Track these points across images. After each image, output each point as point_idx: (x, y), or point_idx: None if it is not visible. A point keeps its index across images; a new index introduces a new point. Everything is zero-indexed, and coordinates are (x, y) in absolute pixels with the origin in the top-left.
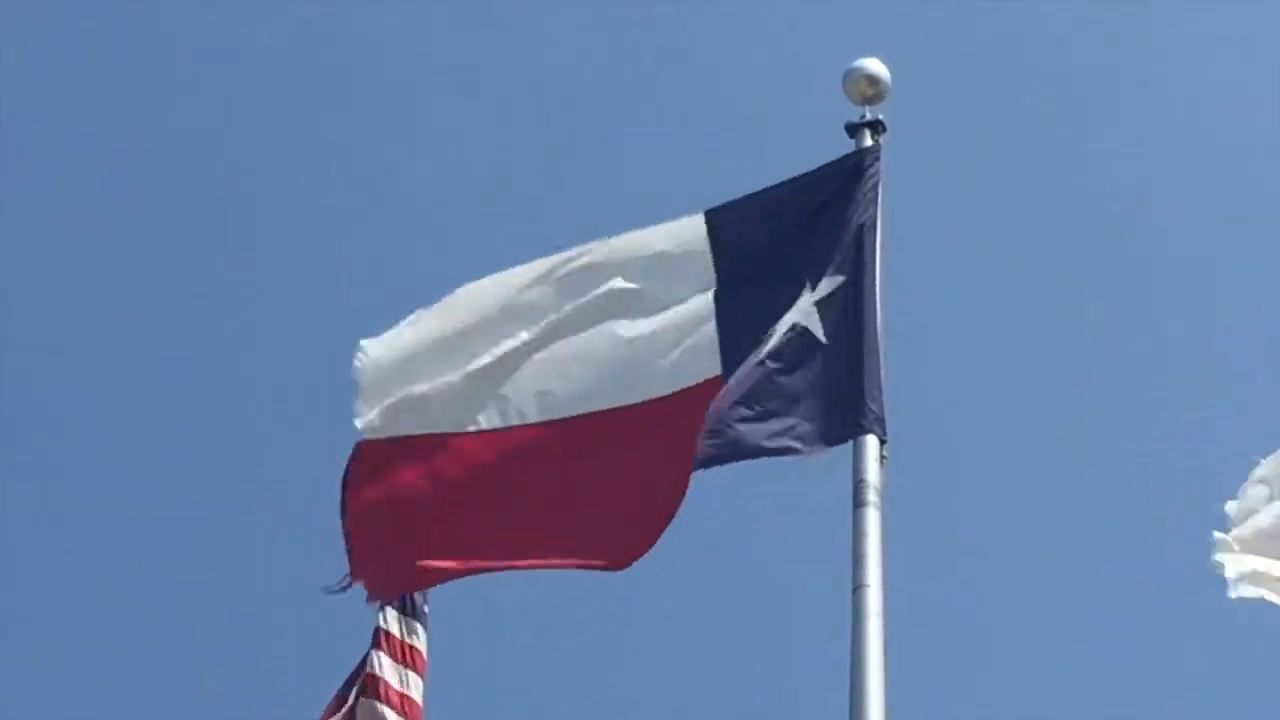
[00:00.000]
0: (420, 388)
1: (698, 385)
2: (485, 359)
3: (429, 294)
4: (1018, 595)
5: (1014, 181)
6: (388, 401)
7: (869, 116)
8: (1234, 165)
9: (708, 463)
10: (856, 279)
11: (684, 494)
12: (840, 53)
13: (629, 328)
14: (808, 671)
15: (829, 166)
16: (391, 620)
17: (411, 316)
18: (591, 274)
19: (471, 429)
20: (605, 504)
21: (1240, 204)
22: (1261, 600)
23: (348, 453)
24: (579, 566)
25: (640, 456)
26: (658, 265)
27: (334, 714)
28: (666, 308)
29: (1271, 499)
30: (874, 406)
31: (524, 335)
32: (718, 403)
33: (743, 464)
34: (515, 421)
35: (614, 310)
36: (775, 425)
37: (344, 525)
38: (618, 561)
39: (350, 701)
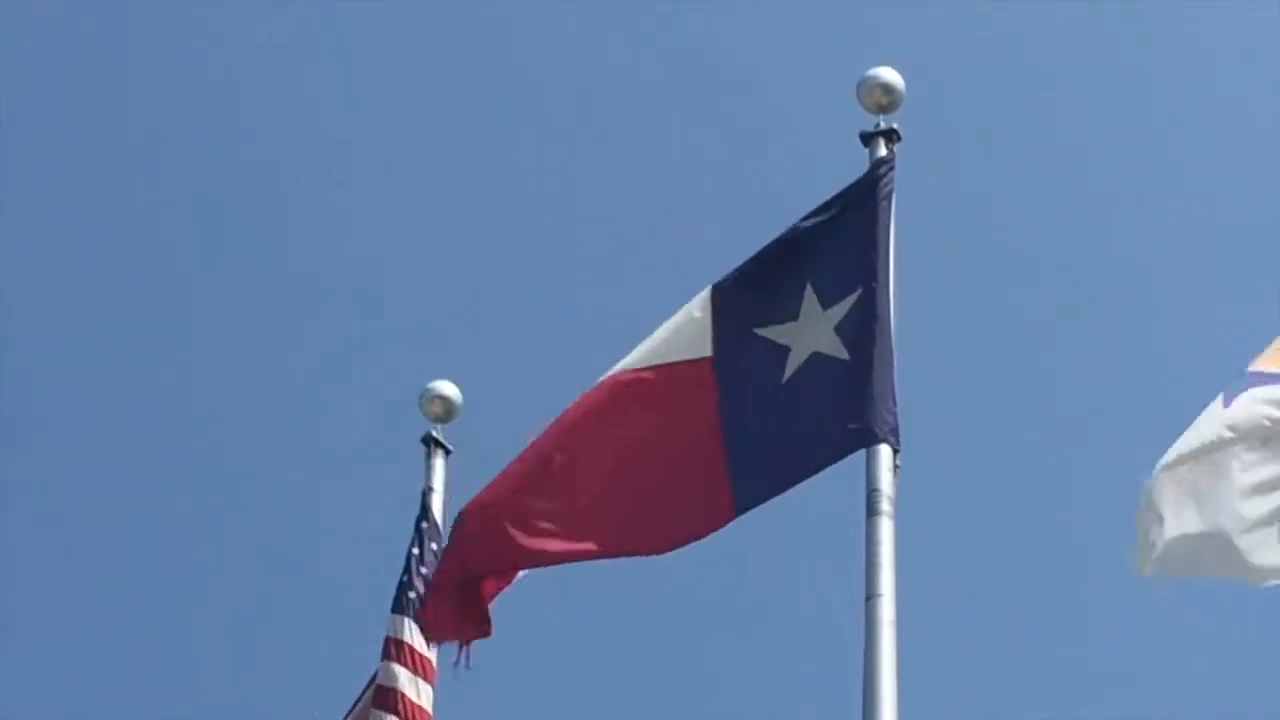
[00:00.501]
0: None
1: (691, 361)
2: None
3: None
4: (1030, 604)
5: (1029, 190)
6: None
7: (883, 125)
8: (1257, 171)
9: (753, 504)
10: (870, 288)
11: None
12: (854, 61)
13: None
14: (821, 680)
15: (842, 193)
16: (405, 629)
17: None
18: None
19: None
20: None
21: (1263, 211)
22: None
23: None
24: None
25: (649, 433)
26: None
27: None
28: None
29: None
30: (888, 416)
31: None
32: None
33: None
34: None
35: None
36: (807, 445)
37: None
38: (659, 546)
39: (360, 714)
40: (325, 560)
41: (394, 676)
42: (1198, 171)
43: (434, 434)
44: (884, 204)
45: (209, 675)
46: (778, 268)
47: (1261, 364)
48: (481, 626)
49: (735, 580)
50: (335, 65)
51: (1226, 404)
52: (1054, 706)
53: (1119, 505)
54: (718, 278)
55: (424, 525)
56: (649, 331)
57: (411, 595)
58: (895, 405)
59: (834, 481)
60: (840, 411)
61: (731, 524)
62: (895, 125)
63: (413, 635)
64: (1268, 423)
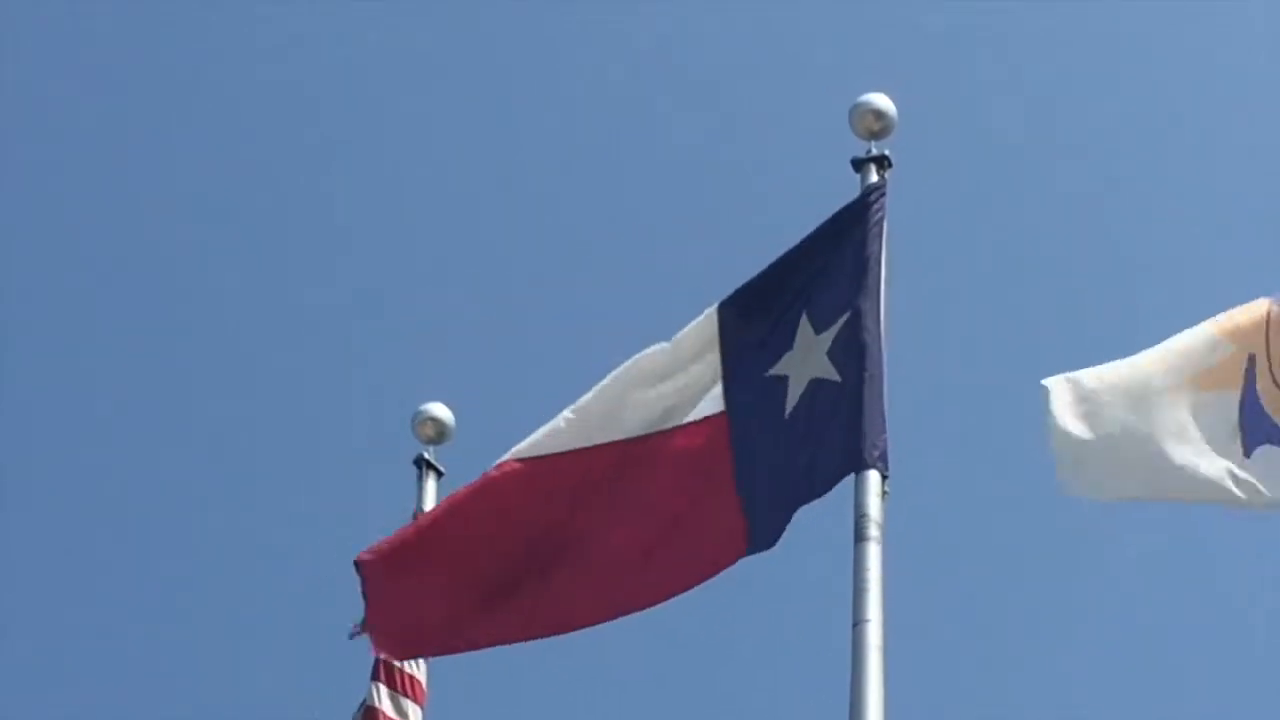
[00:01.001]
0: None
1: (703, 420)
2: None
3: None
4: (1018, 629)
5: (1021, 217)
6: None
7: (874, 151)
8: (1254, 197)
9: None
10: (860, 313)
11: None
12: (846, 87)
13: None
14: (808, 705)
15: (835, 217)
16: None
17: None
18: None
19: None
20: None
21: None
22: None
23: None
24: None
25: (655, 492)
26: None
27: None
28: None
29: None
30: (877, 441)
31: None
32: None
33: None
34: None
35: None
36: (809, 471)
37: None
38: (651, 599)
39: None
40: (316, 581)
41: (383, 699)
42: (1195, 193)
43: (426, 456)
44: (875, 229)
45: (196, 697)
46: (775, 303)
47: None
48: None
49: (722, 605)
50: (330, 82)
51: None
52: None
53: (1110, 530)
54: (709, 301)
55: None
56: (638, 350)
57: None
58: (884, 431)
59: (822, 507)
60: (834, 435)
61: None
62: (887, 151)
63: None
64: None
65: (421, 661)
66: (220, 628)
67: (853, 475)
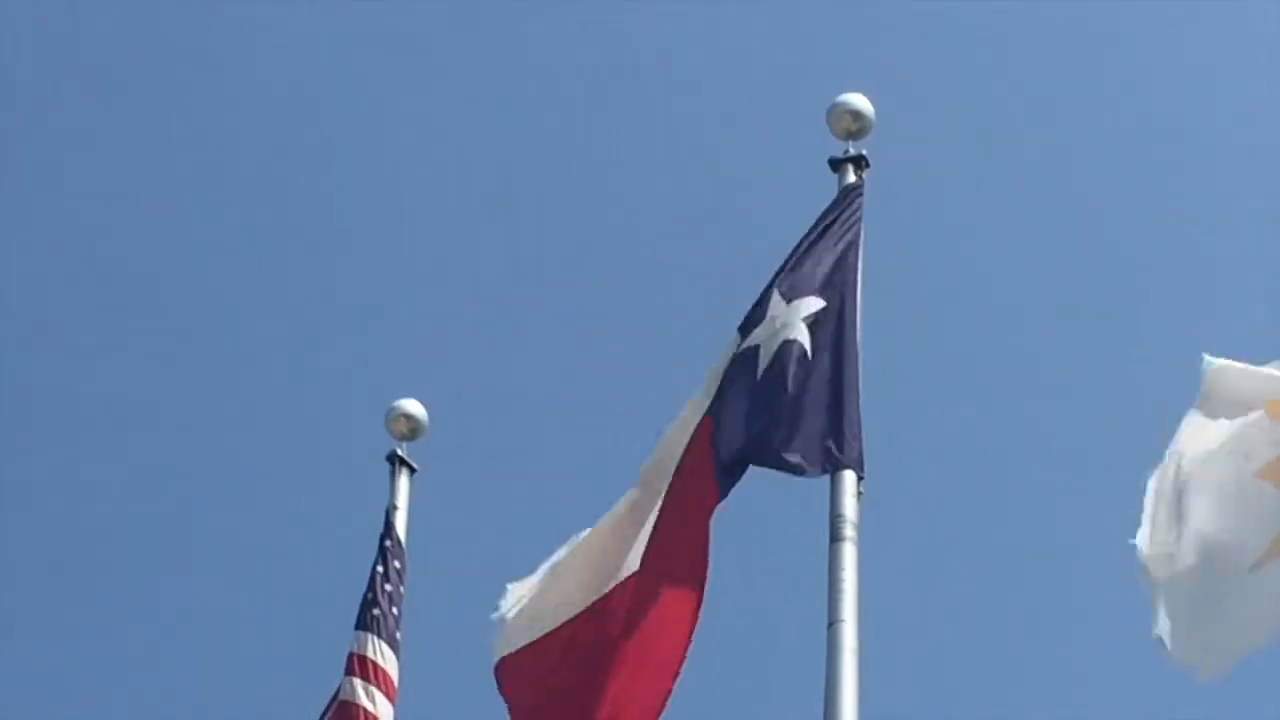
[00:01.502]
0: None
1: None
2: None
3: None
4: (993, 631)
5: (997, 218)
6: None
7: (852, 151)
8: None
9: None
10: (838, 312)
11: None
12: (824, 87)
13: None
14: (782, 707)
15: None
16: (369, 645)
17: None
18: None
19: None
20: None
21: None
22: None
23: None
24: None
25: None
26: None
27: None
28: None
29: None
30: (852, 442)
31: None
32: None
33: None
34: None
35: None
36: (784, 438)
37: None
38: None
39: None
40: (289, 577)
41: (356, 692)
42: (1182, 194)
43: (399, 452)
44: (852, 229)
45: (172, 690)
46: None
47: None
48: None
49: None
50: (310, 80)
51: None
52: None
53: (1085, 529)
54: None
55: (388, 543)
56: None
57: (375, 612)
58: (860, 431)
59: (797, 507)
60: (809, 419)
61: None
62: (864, 152)
63: (376, 651)
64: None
65: (393, 656)
66: (191, 623)
67: (828, 476)
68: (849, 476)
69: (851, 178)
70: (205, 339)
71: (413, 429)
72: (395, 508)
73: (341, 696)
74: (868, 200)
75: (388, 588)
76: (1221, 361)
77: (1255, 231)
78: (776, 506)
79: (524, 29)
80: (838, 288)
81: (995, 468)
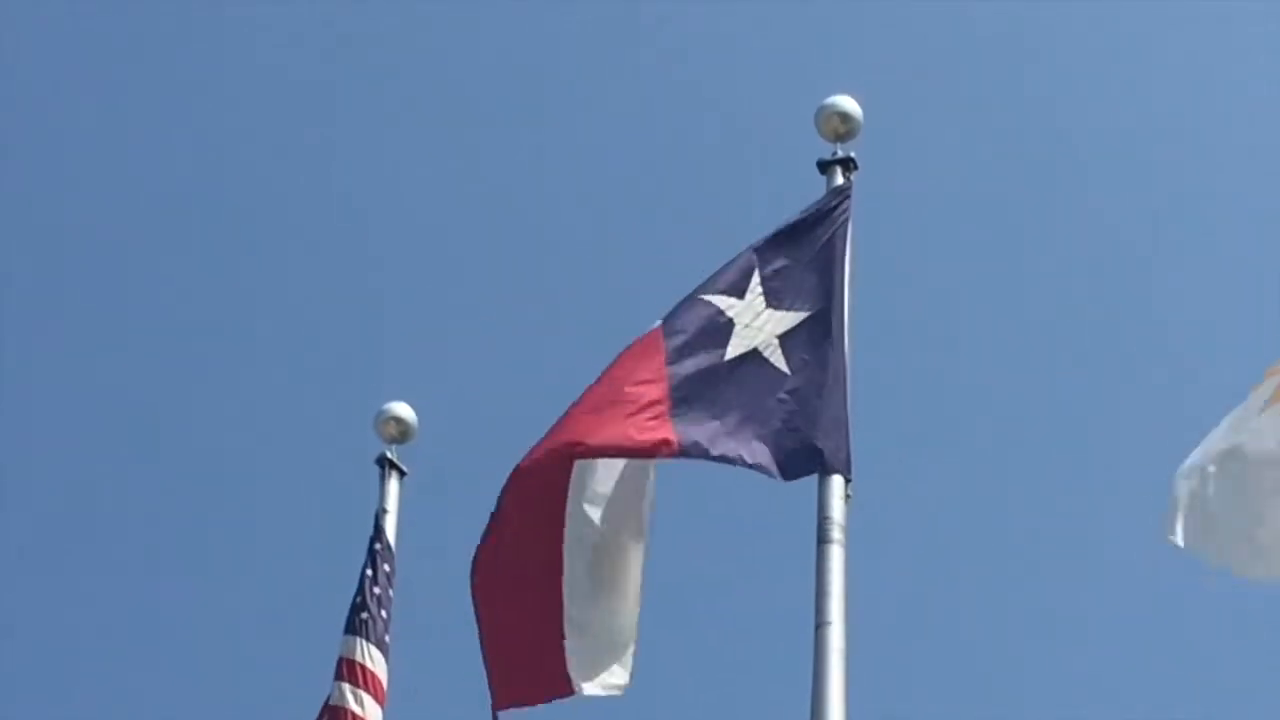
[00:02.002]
0: None
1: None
2: None
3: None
4: (980, 633)
5: (985, 220)
6: None
7: (840, 154)
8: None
9: (680, 454)
10: (825, 315)
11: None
12: (812, 90)
13: None
14: (769, 709)
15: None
16: (358, 649)
17: None
18: None
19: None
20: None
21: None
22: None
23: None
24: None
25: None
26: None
27: None
28: None
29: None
30: (840, 445)
31: None
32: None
33: (708, 502)
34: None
35: None
36: (738, 440)
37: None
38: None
39: None
40: (278, 580)
41: (345, 697)
42: (1174, 195)
43: (389, 455)
44: (840, 231)
45: (161, 694)
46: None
47: None
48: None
49: (683, 606)
50: (295, 78)
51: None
52: None
53: (1074, 532)
54: (670, 305)
55: (377, 547)
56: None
57: (364, 616)
58: (848, 435)
59: (785, 510)
60: (787, 428)
61: (681, 551)
62: (852, 154)
63: (365, 655)
64: None
65: (382, 659)
66: (180, 627)
67: (816, 478)
68: (836, 480)
69: (840, 180)
70: (195, 342)
71: (402, 432)
72: (385, 511)
73: (330, 701)
74: (856, 202)
75: (377, 591)
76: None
77: (1249, 237)
78: (764, 509)
79: (516, 32)
80: (825, 292)
81: (983, 471)
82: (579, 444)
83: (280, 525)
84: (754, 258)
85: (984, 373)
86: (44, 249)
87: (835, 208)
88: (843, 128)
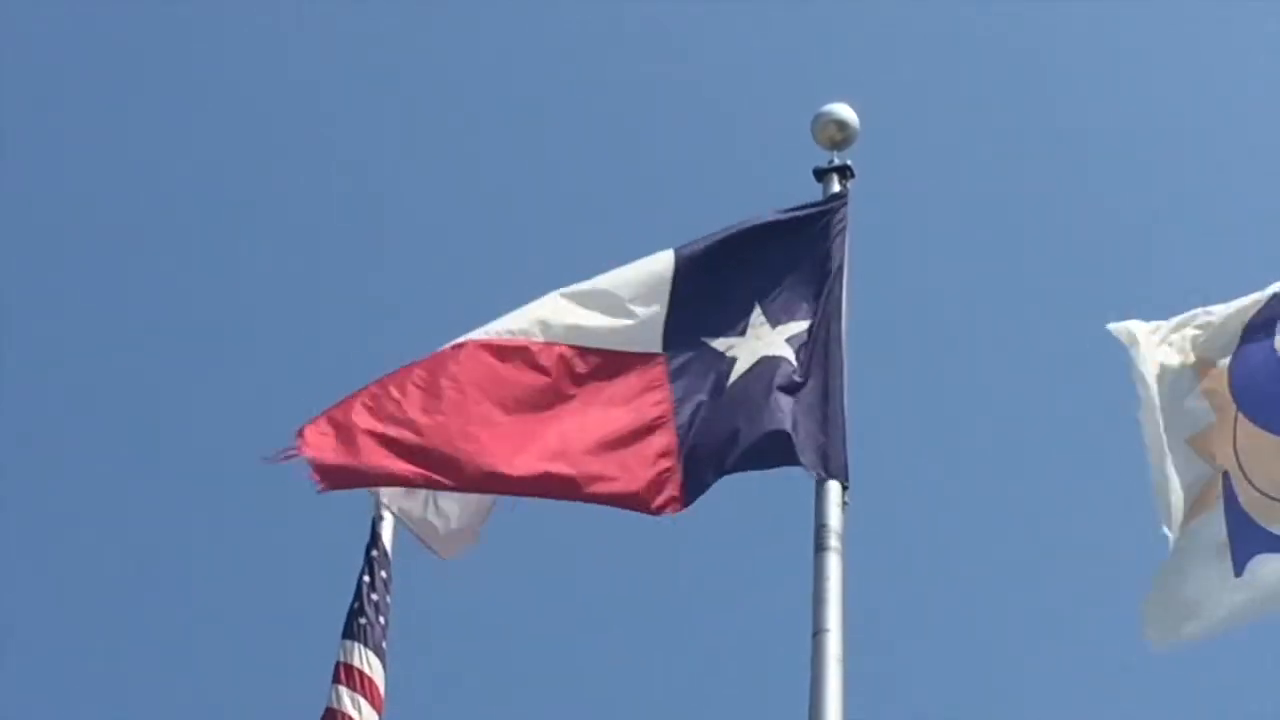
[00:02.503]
0: None
1: (643, 355)
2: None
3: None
4: (978, 641)
5: (982, 227)
6: None
7: (837, 161)
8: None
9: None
10: (823, 323)
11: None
12: (809, 97)
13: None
14: (767, 716)
15: (798, 209)
16: (355, 654)
17: None
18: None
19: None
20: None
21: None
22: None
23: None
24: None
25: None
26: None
27: None
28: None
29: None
30: (837, 451)
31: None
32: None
33: (704, 509)
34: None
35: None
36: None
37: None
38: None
39: None
40: (276, 586)
41: (343, 701)
42: (1171, 201)
43: None
44: (837, 240)
45: (157, 701)
46: (730, 280)
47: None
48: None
49: (681, 613)
50: (281, 68)
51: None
52: None
53: (1071, 538)
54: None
55: (374, 553)
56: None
57: (362, 621)
58: (845, 441)
59: (782, 517)
60: (774, 414)
61: (678, 559)
62: (849, 161)
63: (363, 660)
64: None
65: (380, 665)
66: (176, 634)
67: (813, 485)
68: (834, 486)
69: (836, 188)
70: (195, 342)
71: None
72: (381, 517)
73: (329, 705)
74: (852, 210)
75: (374, 597)
76: (1127, 325)
77: (1249, 237)
78: (761, 516)
79: (508, 38)
80: (823, 301)
81: (981, 477)
82: (573, 483)
83: (278, 530)
84: (754, 291)
85: (981, 380)
86: (44, 249)
87: (832, 217)
88: (839, 135)
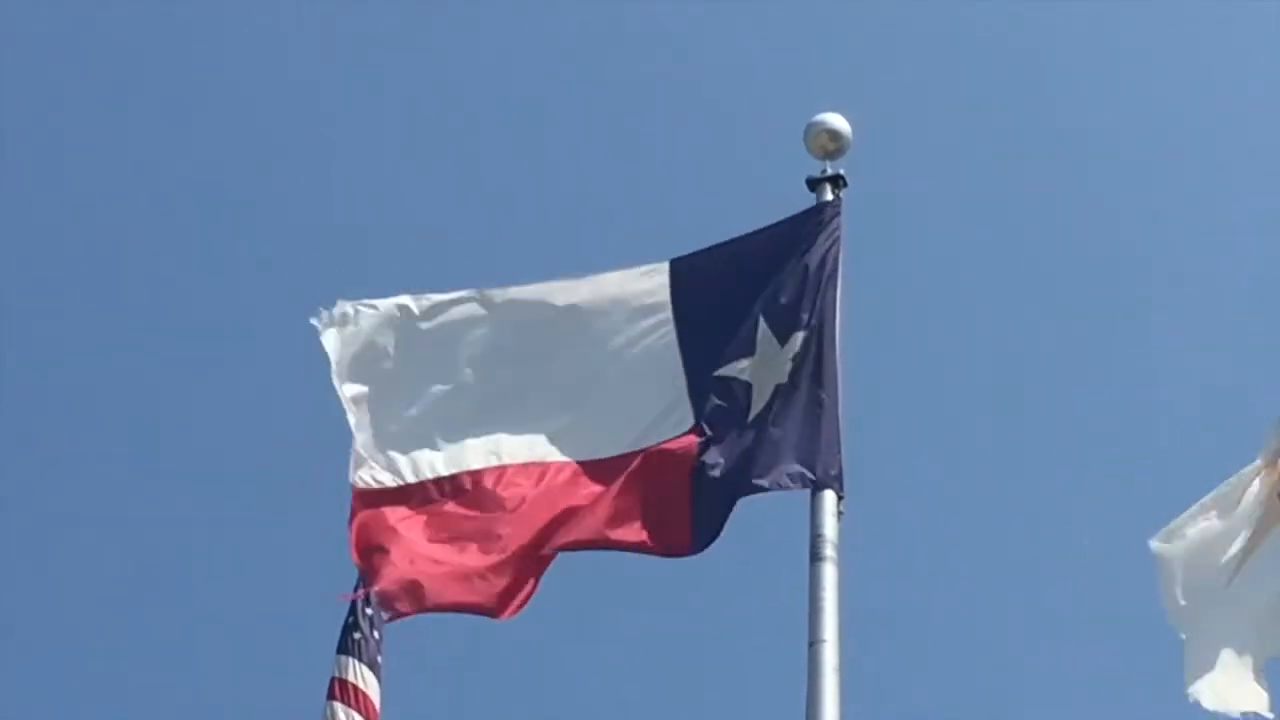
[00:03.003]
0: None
1: (676, 438)
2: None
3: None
4: (976, 649)
5: (975, 236)
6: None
7: (830, 171)
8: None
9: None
10: (818, 332)
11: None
12: (801, 107)
13: (591, 368)
14: None
15: (792, 219)
16: (350, 669)
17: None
18: (548, 313)
19: (458, 470)
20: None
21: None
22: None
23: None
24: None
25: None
26: (615, 308)
27: None
28: (625, 350)
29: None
30: (832, 462)
31: (472, 372)
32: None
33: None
34: (503, 462)
35: (574, 345)
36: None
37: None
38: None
39: None
40: (271, 599)
41: (338, 717)
42: (1168, 205)
43: None
44: (831, 249)
45: (156, 703)
46: (732, 296)
47: None
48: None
49: (676, 624)
50: (298, 84)
51: None
52: None
53: (1067, 546)
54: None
55: None
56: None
57: (356, 636)
58: (840, 451)
59: (778, 527)
60: (790, 444)
61: (675, 569)
62: (842, 171)
63: (357, 675)
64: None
65: (374, 679)
66: (169, 649)
67: (808, 495)
68: (829, 496)
69: (829, 197)
70: (195, 342)
71: None
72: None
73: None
74: (845, 219)
75: (369, 611)
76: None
77: (1249, 237)
78: (757, 526)
79: (503, 43)
80: (817, 311)
81: (976, 486)
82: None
83: (273, 542)
84: (756, 307)
85: (976, 388)
86: (44, 249)
87: (825, 224)
88: (832, 145)
